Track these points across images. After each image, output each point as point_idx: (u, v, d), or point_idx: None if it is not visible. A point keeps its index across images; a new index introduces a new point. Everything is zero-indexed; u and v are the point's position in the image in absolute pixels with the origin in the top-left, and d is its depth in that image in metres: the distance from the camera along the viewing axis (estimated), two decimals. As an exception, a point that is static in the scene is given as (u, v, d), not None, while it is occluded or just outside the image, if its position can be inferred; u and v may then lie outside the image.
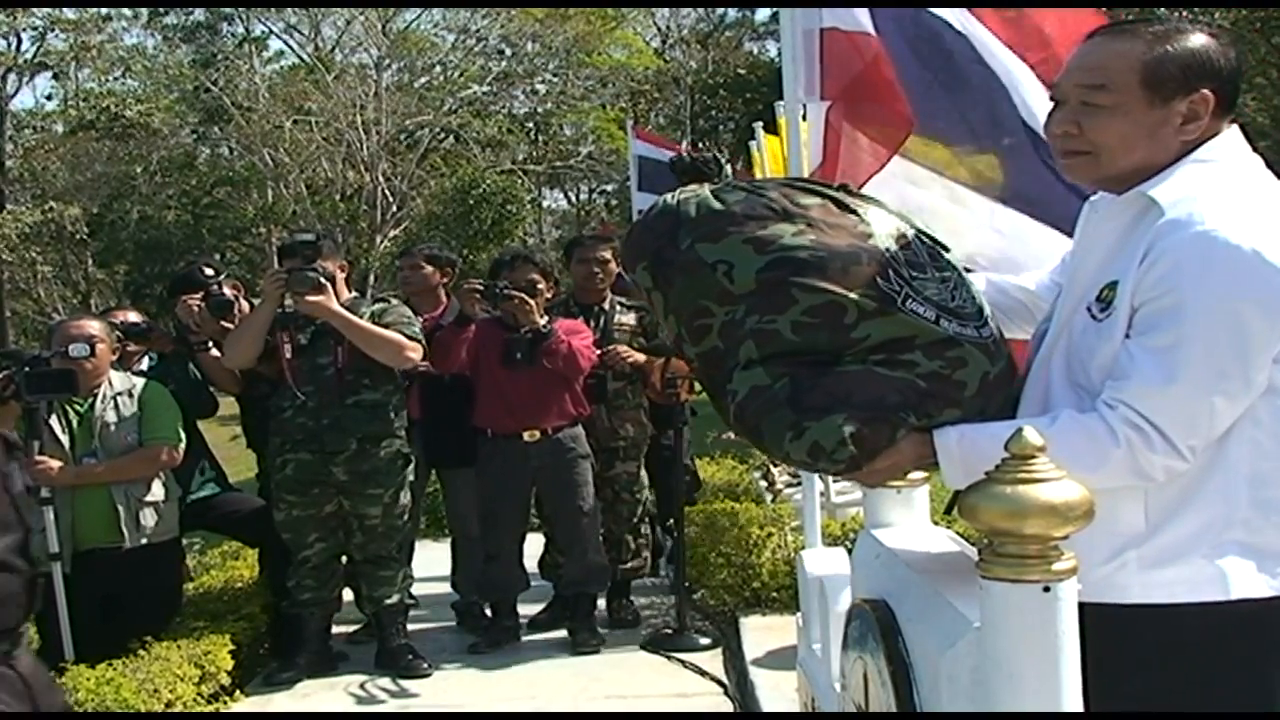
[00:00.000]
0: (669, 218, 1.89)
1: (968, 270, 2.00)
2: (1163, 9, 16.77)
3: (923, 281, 1.84)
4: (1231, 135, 1.90)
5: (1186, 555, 1.81)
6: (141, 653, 4.02)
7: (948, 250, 1.95)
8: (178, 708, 3.87)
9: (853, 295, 1.79)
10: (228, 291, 4.88)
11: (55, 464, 4.14)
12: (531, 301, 4.84)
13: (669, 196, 1.94)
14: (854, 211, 1.87)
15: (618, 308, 5.39)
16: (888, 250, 1.84)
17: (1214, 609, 1.79)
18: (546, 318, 4.90)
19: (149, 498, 4.31)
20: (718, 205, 1.86)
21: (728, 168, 2.03)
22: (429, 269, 5.59)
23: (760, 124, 7.31)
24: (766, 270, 1.80)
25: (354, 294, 4.92)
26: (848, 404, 1.76)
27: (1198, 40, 1.87)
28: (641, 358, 5.09)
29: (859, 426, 1.76)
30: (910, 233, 1.90)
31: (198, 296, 4.86)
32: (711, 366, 1.88)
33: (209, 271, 5.07)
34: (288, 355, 4.53)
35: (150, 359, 4.94)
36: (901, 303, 1.81)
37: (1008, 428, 1.67)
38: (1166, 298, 1.75)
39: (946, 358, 1.82)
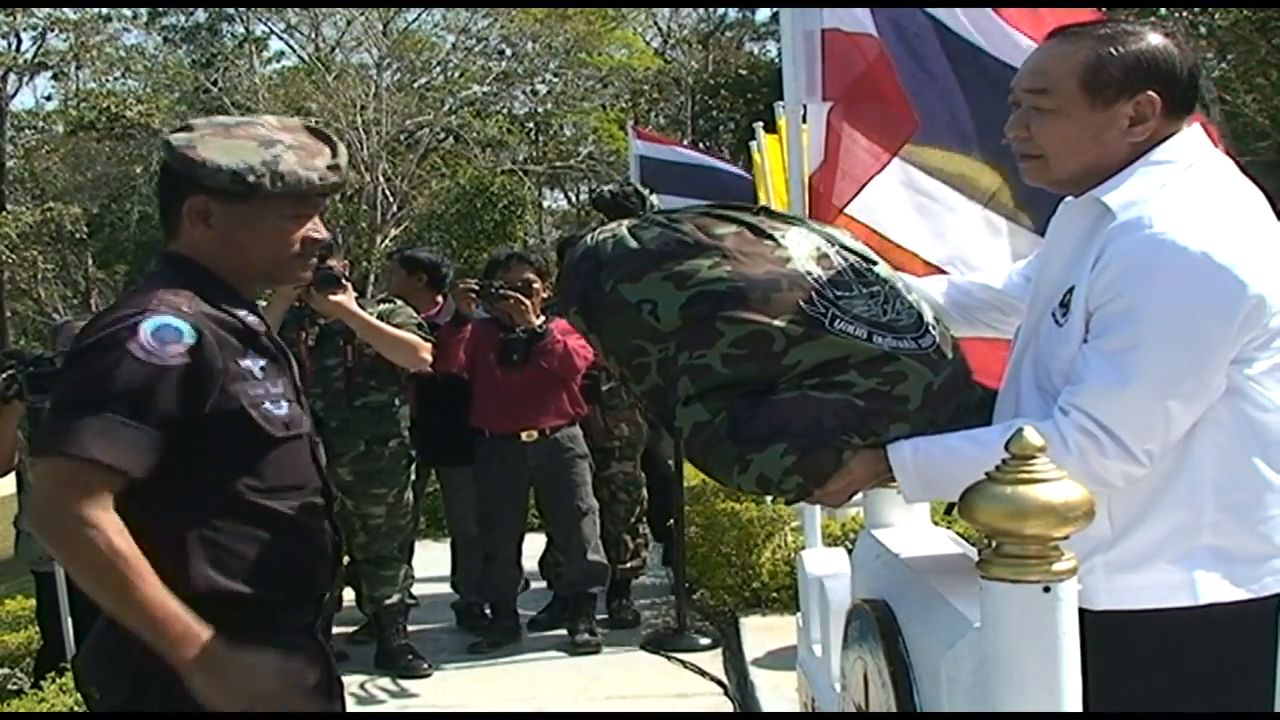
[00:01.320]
0: (590, 261, 1.88)
1: (942, 272, 2.01)
2: (1163, 9, 16.79)
3: (850, 300, 1.84)
4: (1189, 135, 1.88)
5: (1154, 560, 1.80)
6: (142, 652, 4.01)
7: (875, 263, 1.94)
8: (178, 707, 3.86)
9: (778, 323, 1.79)
10: (335, 265, 4.57)
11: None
12: (527, 301, 4.84)
13: (589, 237, 1.93)
14: (770, 237, 1.86)
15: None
16: (809, 273, 1.84)
17: (1183, 615, 1.79)
18: (542, 317, 4.91)
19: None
20: (633, 244, 1.86)
21: (653, 198, 2.02)
22: (402, 272, 5.57)
23: (760, 124, 7.31)
24: (689, 306, 1.80)
25: (354, 294, 4.91)
26: (787, 433, 1.77)
27: (1145, 42, 1.86)
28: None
29: (801, 455, 1.77)
30: (833, 251, 1.89)
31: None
32: (656, 403, 1.89)
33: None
34: (305, 353, 4.50)
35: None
36: (829, 324, 1.81)
37: (962, 439, 1.69)
38: (1118, 301, 1.75)
39: (884, 374, 1.82)
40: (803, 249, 1.87)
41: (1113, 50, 1.85)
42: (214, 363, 1.80)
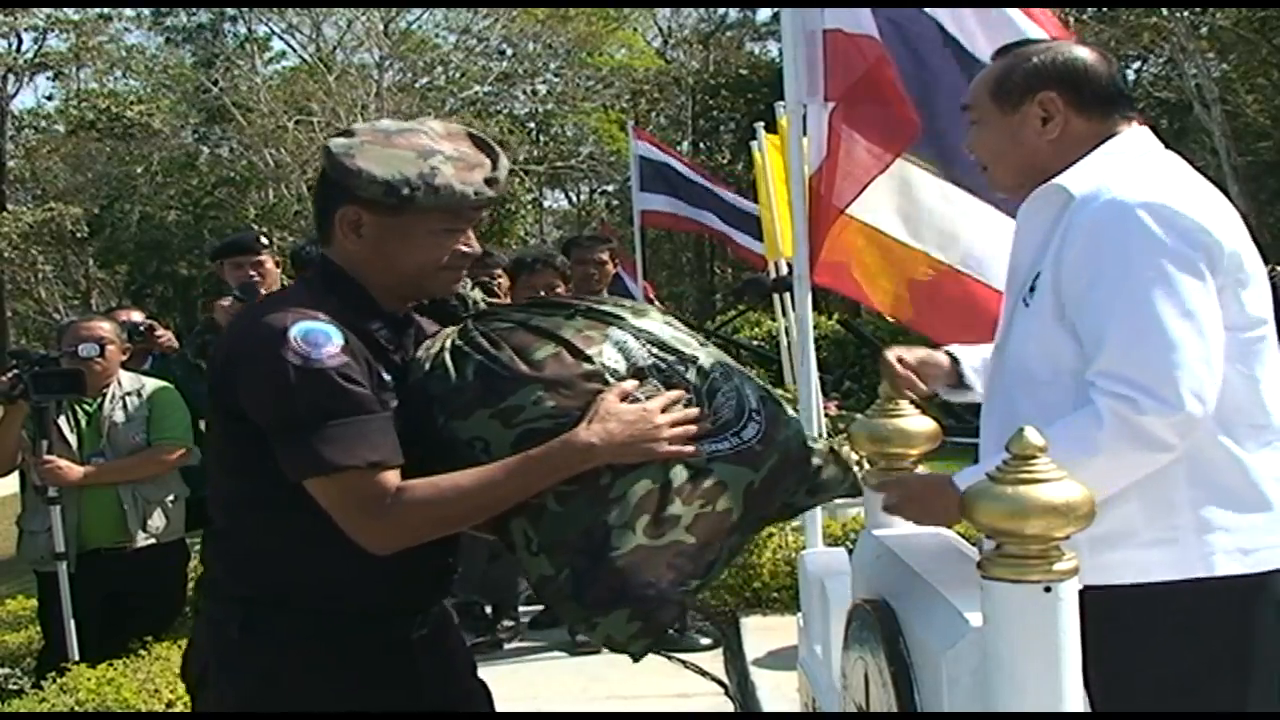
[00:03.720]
0: (419, 395, 1.85)
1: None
2: (1164, 9, 16.78)
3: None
4: (1136, 133, 2.03)
5: (1134, 537, 1.85)
6: (142, 653, 4.02)
7: (695, 358, 1.90)
8: (178, 708, 3.87)
9: None
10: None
11: (65, 464, 4.13)
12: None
13: (421, 365, 1.88)
14: (587, 357, 1.83)
15: (615, 308, 5.37)
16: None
17: (1164, 590, 1.85)
18: None
19: (157, 498, 4.31)
20: (455, 381, 1.83)
21: (475, 294, 1.99)
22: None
23: (761, 124, 7.33)
24: (517, 444, 1.79)
25: None
26: (629, 597, 1.76)
27: (1048, 51, 2.06)
28: None
29: (645, 620, 1.77)
30: (646, 360, 1.86)
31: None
32: (504, 539, 1.87)
33: (264, 241, 4.91)
34: None
35: (152, 358, 4.93)
36: None
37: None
38: (1094, 265, 1.85)
39: (704, 492, 1.80)
40: (620, 365, 1.84)
41: (1017, 62, 2.05)
42: (362, 364, 1.81)
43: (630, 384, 1.83)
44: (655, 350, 1.89)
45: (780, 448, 1.89)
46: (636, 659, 1.83)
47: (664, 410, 1.81)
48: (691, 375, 1.88)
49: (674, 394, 1.84)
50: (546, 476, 1.78)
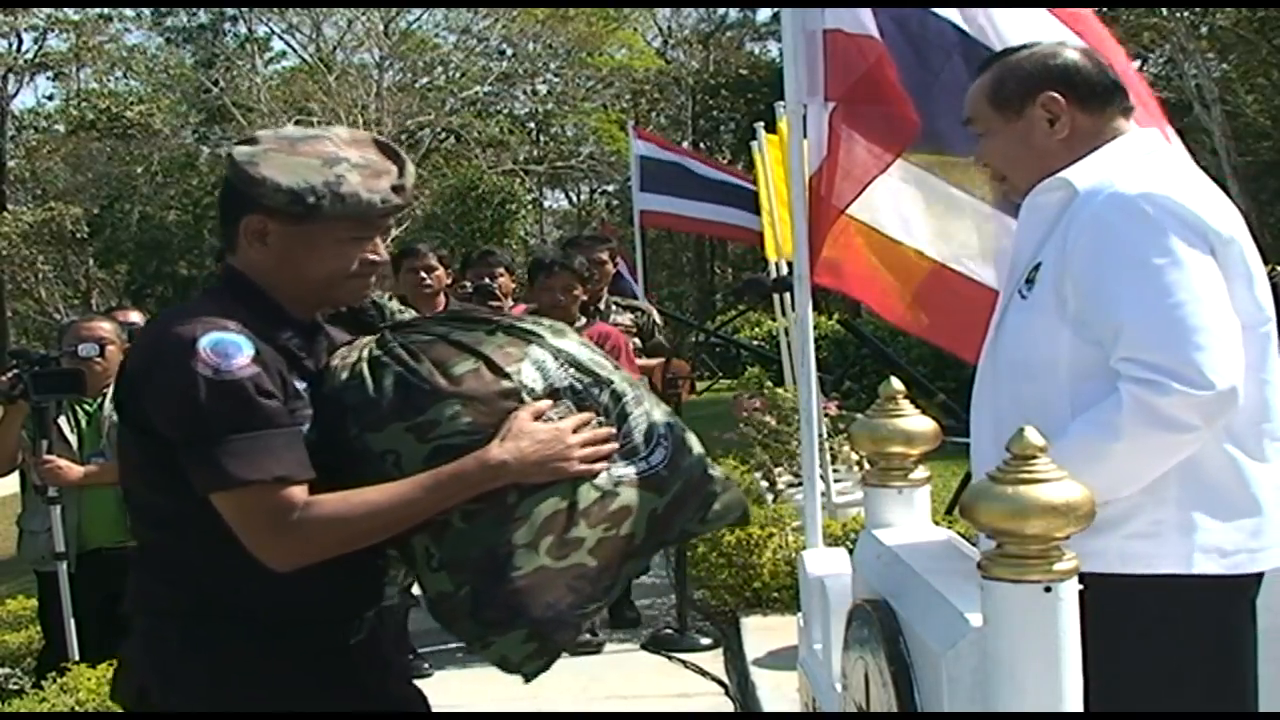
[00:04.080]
0: (332, 405, 1.82)
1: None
2: (1164, 9, 16.79)
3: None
4: (1141, 132, 2.07)
5: (1118, 528, 1.86)
6: (143, 652, 4.02)
7: (610, 381, 1.90)
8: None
9: None
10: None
11: (65, 464, 4.13)
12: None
13: (337, 374, 1.85)
14: (505, 374, 1.82)
15: (613, 308, 5.38)
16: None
17: (1138, 582, 1.86)
18: (582, 319, 4.85)
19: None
20: (372, 393, 1.80)
21: (392, 304, 1.97)
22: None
23: (761, 124, 7.31)
24: (430, 459, 1.77)
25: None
26: (527, 617, 1.75)
27: (1038, 54, 2.08)
28: None
29: (542, 641, 1.77)
30: (563, 381, 1.86)
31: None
32: (403, 554, 1.86)
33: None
34: None
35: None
36: None
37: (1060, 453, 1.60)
38: (1108, 258, 1.86)
39: (609, 515, 1.80)
40: (537, 385, 1.84)
41: (1007, 69, 2.07)
42: (275, 375, 1.78)
43: (545, 403, 1.82)
44: (572, 371, 1.88)
45: (684, 474, 1.89)
46: (528, 680, 1.83)
47: (576, 430, 1.81)
48: (605, 398, 1.88)
49: (586, 415, 1.84)
50: (458, 493, 1.76)
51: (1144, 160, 1.99)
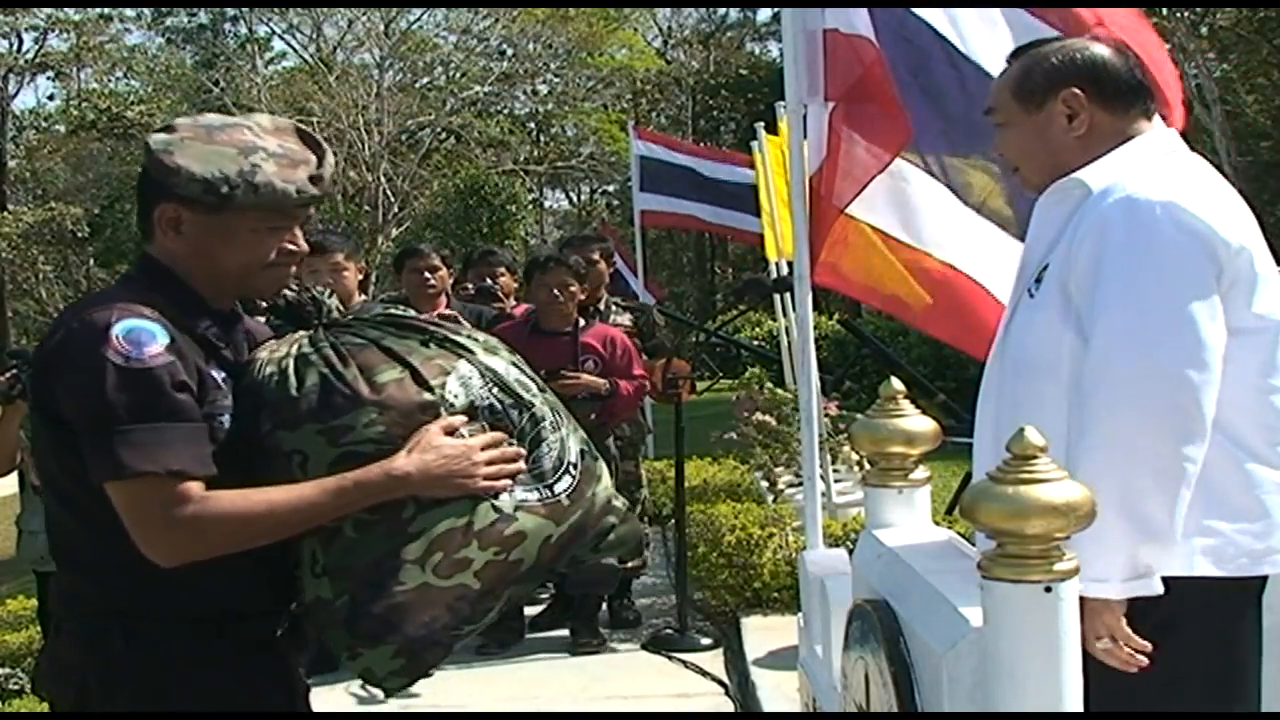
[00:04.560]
0: (251, 398, 1.81)
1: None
2: (1164, 9, 16.77)
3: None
4: (1159, 133, 2.06)
5: None
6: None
7: (532, 404, 1.89)
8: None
9: None
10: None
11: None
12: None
13: (261, 367, 1.83)
14: (430, 387, 1.81)
15: (613, 308, 5.38)
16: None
17: None
18: (581, 320, 4.86)
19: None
20: (293, 391, 1.78)
21: (331, 301, 1.94)
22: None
23: (761, 124, 7.32)
24: (335, 464, 1.75)
25: (364, 297, 4.89)
26: (400, 633, 1.75)
27: (1066, 49, 2.07)
28: (601, 383, 4.85)
29: (410, 658, 1.77)
30: (484, 400, 1.85)
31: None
32: (290, 552, 1.84)
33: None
34: None
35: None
36: None
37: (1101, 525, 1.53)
38: (1106, 261, 1.87)
39: (503, 539, 1.79)
40: (459, 400, 1.83)
41: (1035, 62, 2.06)
42: (191, 365, 1.76)
43: (459, 419, 1.81)
44: (495, 390, 1.87)
45: (586, 505, 1.89)
46: (388, 695, 1.83)
47: (484, 449, 1.80)
48: (523, 420, 1.87)
49: (497, 435, 1.83)
50: (359, 500, 1.75)
51: (1160, 162, 1.98)
